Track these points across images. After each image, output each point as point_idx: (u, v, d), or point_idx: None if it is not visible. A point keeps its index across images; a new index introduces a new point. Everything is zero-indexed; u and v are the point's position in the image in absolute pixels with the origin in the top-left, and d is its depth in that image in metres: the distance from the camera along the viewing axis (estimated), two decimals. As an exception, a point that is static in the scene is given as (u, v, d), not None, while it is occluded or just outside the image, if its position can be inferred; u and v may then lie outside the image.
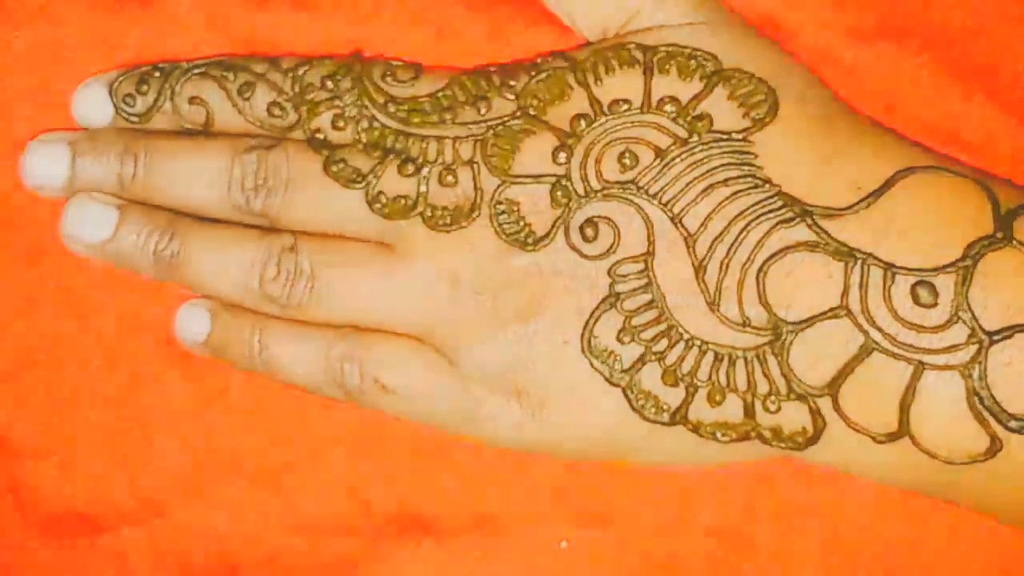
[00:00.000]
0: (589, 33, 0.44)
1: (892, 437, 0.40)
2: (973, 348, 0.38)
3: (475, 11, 0.46)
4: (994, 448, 0.39)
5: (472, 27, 0.46)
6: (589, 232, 0.41)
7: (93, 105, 0.45)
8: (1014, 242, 0.39)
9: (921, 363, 0.39)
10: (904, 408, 0.39)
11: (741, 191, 0.40)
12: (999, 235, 0.39)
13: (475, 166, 0.42)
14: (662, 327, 0.41)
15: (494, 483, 0.46)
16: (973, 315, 0.38)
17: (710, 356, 0.40)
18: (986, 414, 0.38)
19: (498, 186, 0.42)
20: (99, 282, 0.46)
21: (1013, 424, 0.38)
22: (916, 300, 0.39)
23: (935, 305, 0.38)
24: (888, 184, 0.40)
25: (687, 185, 0.41)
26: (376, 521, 0.46)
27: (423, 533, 0.46)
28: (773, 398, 0.40)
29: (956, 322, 0.38)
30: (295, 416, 0.46)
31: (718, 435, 0.41)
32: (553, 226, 0.41)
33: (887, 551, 0.45)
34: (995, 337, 0.38)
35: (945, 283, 0.39)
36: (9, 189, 0.46)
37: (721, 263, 0.40)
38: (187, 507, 0.46)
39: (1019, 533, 0.44)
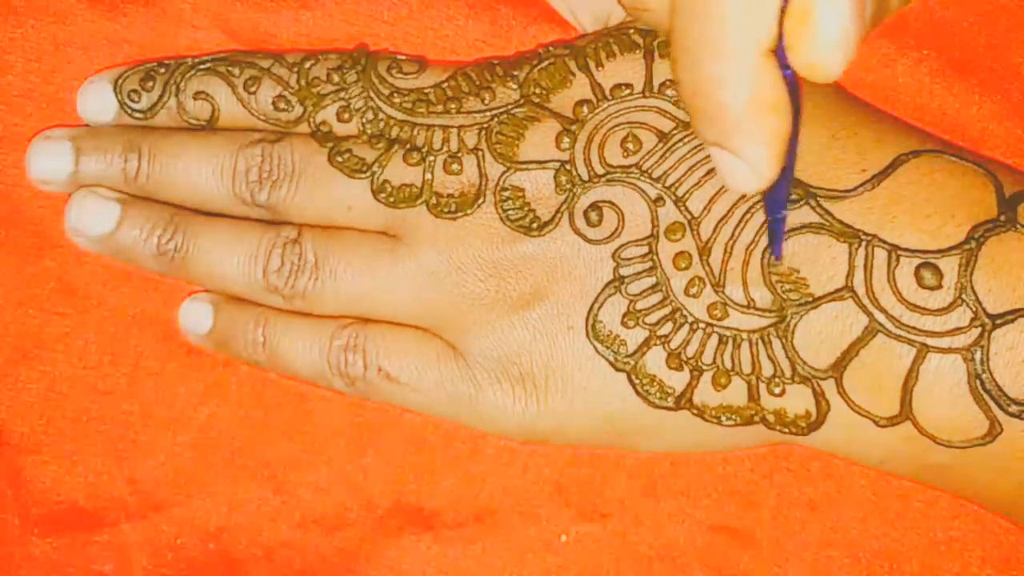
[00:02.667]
0: (591, 27, 0.45)
1: (894, 420, 0.40)
2: (976, 331, 0.38)
3: (477, 9, 0.46)
4: (993, 432, 0.39)
5: (474, 24, 0.46)
6: (593, 217, 0.41)
7: (98, 101, 0.46)
8: (1017, 226, 0.39)
9: (924, 345, 0.39)
10: (907, 391, 0.39)
11: None
12: (1002, 219, 0.39)
13: (480, 154, 0.42)
14: (667, 310, 0.41)
15: (494, 477, 0.46)
16: (977, 298, 0.39)
17: (715, 339, 0.40)
18: (987, 398, 0.39)
19: (503, 173, 0.42)
20: (100, 276, 0.47)
21: (1013, 408, 0.39)
22: (920, 282, 0.39)
23: (939, 287, 0.39)
24: (893, 166, 0.40)
25: (690, 168, 0.41)
26: (376, 515, 0.46)
27: (423, 527, 0.46)
28: (777, 380, 0.40)
29: (959, 305, 0.39)
30: (295, 410, 0.46)
31: (723, 419, 0.41)
32: (557, 211, 0.42)
33: (885, 546, 0.45)
34: (998, 321, 0.38)
35: (949, 265, 0.39)
36: (12, 184, 0.46)
37: (725, 245, 0.40)
38: (187, 501, 0.46)
39: (1016, 528, 0.44)
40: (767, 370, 0.40)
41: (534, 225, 0.42)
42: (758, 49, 0.30)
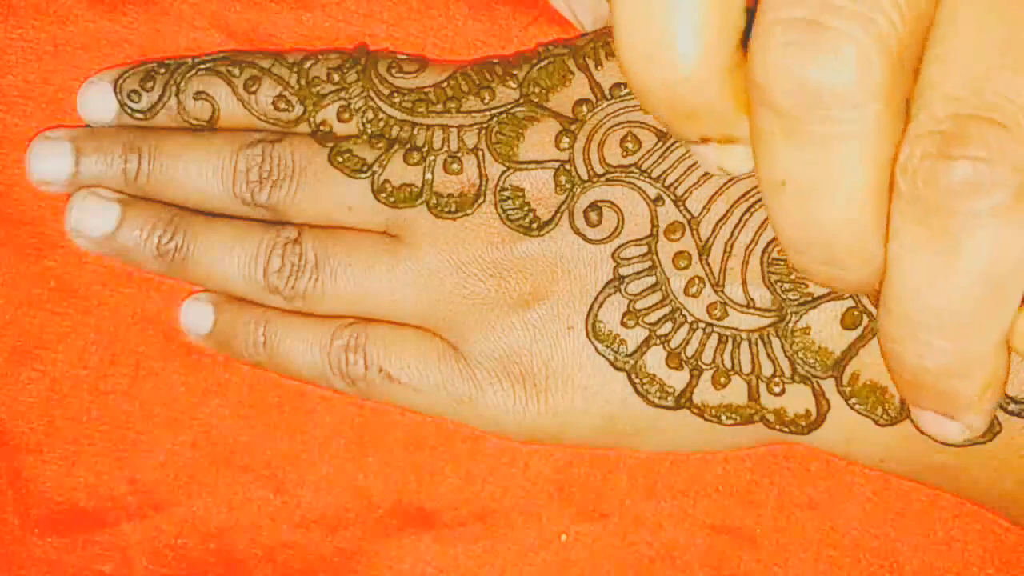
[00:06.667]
0: (591, 27, 0.45)
1: (894, 419, 0.40)
2: None
3: (476, 9, 0.46)
4: (992, 431, 0.39)
5: (473, 24, 0.46)
6: (593, 216, 0.41)
7: (98, 102, 0.46)
8: None
9: None
10: None
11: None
12: None
13: (480, 153, 0.42)
14: (666, 310, 0.41)
15: (494, 476, 0.46)
16: None
17: (714, 338, 0.40)
18: None
19: (502, 173, 0.42)
20: (100, 276, 0.46)
21: (1012, 407, 0.39)
22: None
23: None
24: None
25: (689, 168, 0.41)
26: (376, 514, 0.46)
27: (423, 527, 0.46)
28: (777, 380, 0.40)
29: None
30: (295, 410, 0.46)
31: (723, 418, 0.41)
32: (557, 211, 0.42)
33: (885, 546, 0.45)
34: None
35: None
36: (12, 184, 0.46)
37: (725, 245, 0.40)
38: (187, 501, 0.46)
39: (1016, 528, 0.44)
40: (767, 369, 0.40)
41: (534, 225, 0.42)
42: (999, 340, 0.27)
